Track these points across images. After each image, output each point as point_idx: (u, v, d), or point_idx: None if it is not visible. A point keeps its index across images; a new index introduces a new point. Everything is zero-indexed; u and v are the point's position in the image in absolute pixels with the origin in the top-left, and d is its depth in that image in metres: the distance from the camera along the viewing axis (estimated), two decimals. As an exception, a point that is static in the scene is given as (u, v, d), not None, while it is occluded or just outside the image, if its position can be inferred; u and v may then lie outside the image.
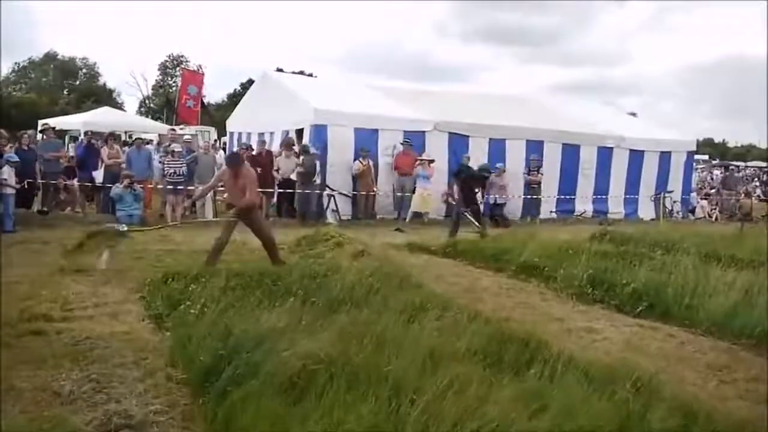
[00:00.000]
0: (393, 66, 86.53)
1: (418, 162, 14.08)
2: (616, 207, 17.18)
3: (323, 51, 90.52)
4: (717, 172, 28.38)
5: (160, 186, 12.92)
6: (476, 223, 11.41)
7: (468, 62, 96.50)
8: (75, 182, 13.03)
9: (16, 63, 54.72)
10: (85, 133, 13.67)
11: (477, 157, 14.63)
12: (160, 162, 12.82)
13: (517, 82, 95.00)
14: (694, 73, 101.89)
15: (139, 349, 4.83)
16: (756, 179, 32.17)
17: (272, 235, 8.09)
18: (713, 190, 22.02)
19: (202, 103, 27.31)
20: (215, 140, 21.60)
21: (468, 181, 11.72)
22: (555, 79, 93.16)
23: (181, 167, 12.39)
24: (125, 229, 10.51)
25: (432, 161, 14.14)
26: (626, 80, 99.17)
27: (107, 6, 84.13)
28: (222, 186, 8.63)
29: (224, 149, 17.84)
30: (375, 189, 14.04)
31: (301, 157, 13.34)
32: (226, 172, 7.90)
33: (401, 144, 14.13)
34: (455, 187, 11.67)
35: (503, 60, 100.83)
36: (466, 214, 11.53)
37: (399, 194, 14.17)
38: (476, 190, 11.73)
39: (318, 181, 13.40)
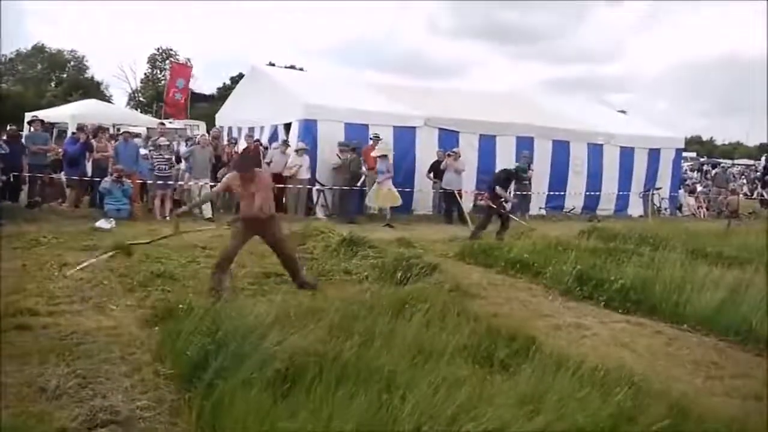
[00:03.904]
0: (385, 62, 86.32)
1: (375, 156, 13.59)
2: (605, 203, 17.27)
3: (315, 45, 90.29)
4: (695, 172, 28.69)
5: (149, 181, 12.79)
6: (501, 224, 10.98)
7: (460, 58, 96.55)
8: (62, 176, 12.91)
9: (3, 55, 54.13)
10: (80, 129, 13.46)
11: (467, 153, 14.69)
12: (145, 157, 12.68)
13: (508, 78, 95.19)
14: (684, 71, 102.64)
15: (126, 344, 4.79)
16: (743, 177, 32.46)
17: (294, 252, 7.22)
18: (703, 188, 22.19)
19: (193, 94, 27.13)
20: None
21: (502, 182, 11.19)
22: (547, 76, 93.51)
23: (168, 161, 12.28)
24: (113, 223, 10.49)
25: (385, 156, 13.53)
26: (617, 78, 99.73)
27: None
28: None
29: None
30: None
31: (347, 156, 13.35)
32: (237, 177, 6.63)
33: (371, 138, 14.02)
34: (498, 188, 10.91)
35: (495, 56, 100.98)
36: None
37: (365, 189, 13.94)
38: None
39: (308, 176, 13.35)
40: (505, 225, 10.90)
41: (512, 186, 11.99)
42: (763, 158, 31.87)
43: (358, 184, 13.52)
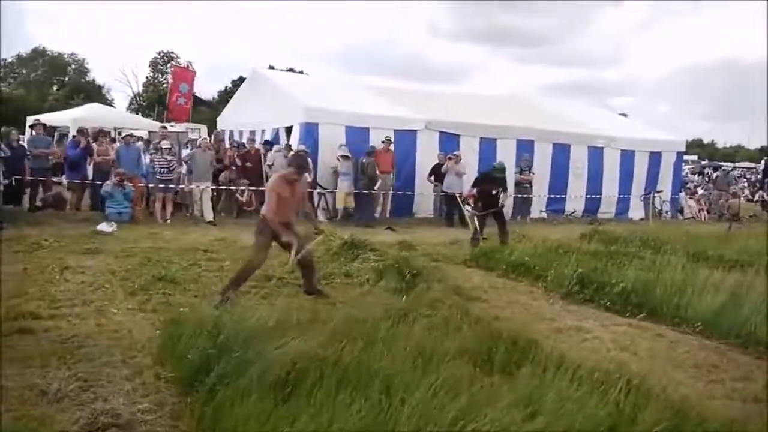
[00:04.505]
0: (386, 65, 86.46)
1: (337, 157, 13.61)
2: (606, 206, 17.27)
3: (315, 49, 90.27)
4: (697, 174, 28.66)
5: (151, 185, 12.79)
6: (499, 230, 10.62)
7: (461, 62, 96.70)
8: (64, 179, 12.93)
9: (3, 59, 54.21)
10: (79, 132, 13.49)
11: (467, 156, 14.70)
12: (149, 161, 12.70)
13: (510, 82, 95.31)
14: (685, 74, 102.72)
15: (128, 347, 4.80)
16: (744, 180, 32.46)
17: (313, 257, 6.84)
18: (703, 191, 22.17)
19: (196, 98, 27.12)
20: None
21: (485, 183, 10.86)
22: (548, 80, 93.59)
23: (170, 164, 12.31)
24: (115, 227, 10.50)
25: (348, 157, 13.55)
26: (619, 81, 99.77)
27: (98, 1, 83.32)
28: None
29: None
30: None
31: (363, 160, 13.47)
32: (284, 180, 6.28)
33: (382, 142, 14.04)
34: (472, 189, 10.75)
35: (497, 60, 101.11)
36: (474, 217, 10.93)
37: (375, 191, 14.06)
38: (494, 192, 10.72)
39: (309, 179, 13.33)
40: (503, 229, 10.65)
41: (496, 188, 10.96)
42: (763, 161, 31.85)
43: (375, 187, 13.59)
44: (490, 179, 10.96)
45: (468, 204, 11.46)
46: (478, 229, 10.64)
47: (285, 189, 6.20)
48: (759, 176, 28.96)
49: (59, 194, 12.86)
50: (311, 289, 6.62)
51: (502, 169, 11.23)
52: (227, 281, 6.43)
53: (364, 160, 13.53)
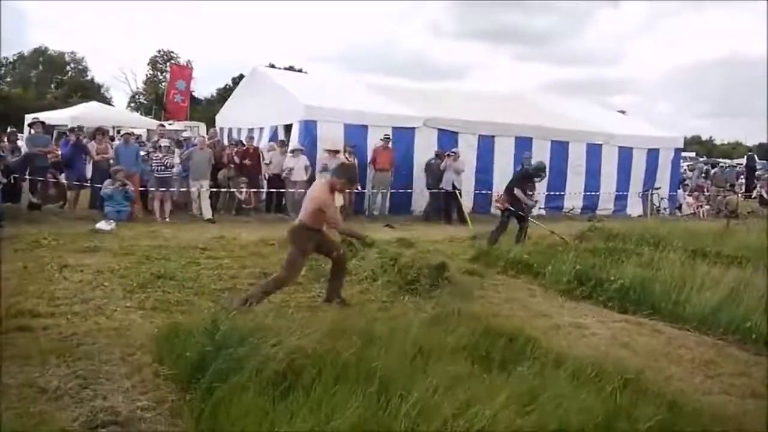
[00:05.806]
0: (389, 64, 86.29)
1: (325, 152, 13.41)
2: (604, 203, 17.28)
3: (318, 48, 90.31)
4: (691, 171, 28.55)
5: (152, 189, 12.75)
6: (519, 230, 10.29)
7: (462, 60, 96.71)
8: (62, 178, 12.91)
9: (5, 57, 54.16)
10: (71, 130, 13.51)
11: (466, 154, 14.70)
12: (144, 160, 12.68)
13: (511, 80, 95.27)
14: (684, 73, 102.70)
15: (127, 345, 4.80)
16: (741, 177, 32.42)
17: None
18: (689, 182, 22.22)
19: (192, 97, 27.19)
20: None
21: (523, 183, 10.46)
22: (549, 78, 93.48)
23: (169, 162, 12.30)
24: (113, 225, 10.49)
25: (337, 152, 13.31)
26: (618, 79, 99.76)
27: (98, 0, 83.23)
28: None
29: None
30: (357, 185, 13.82)
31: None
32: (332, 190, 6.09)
33: (381, 140, 14.05)
34: (516, 190, 10.16)
35: (498, 58, 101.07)
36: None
37: (374, 190, 14.13)
38: (528, 193, 10.38)
39: (305, 177, 13.31)
40: (522, 228, 10.32)
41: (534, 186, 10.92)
42: (746, 157, 31.79)
43: (441, 185, 14.03)
44: (529, 178, 10.62)
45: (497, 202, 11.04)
46: (500, 228, 10.31)
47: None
48: (759, 172, 28.89)
49: (59, 183, 12.82)
50: (334, 296, 6.37)
51: (543, 169, 10.88)
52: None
53: (432, 161, 14.27)
